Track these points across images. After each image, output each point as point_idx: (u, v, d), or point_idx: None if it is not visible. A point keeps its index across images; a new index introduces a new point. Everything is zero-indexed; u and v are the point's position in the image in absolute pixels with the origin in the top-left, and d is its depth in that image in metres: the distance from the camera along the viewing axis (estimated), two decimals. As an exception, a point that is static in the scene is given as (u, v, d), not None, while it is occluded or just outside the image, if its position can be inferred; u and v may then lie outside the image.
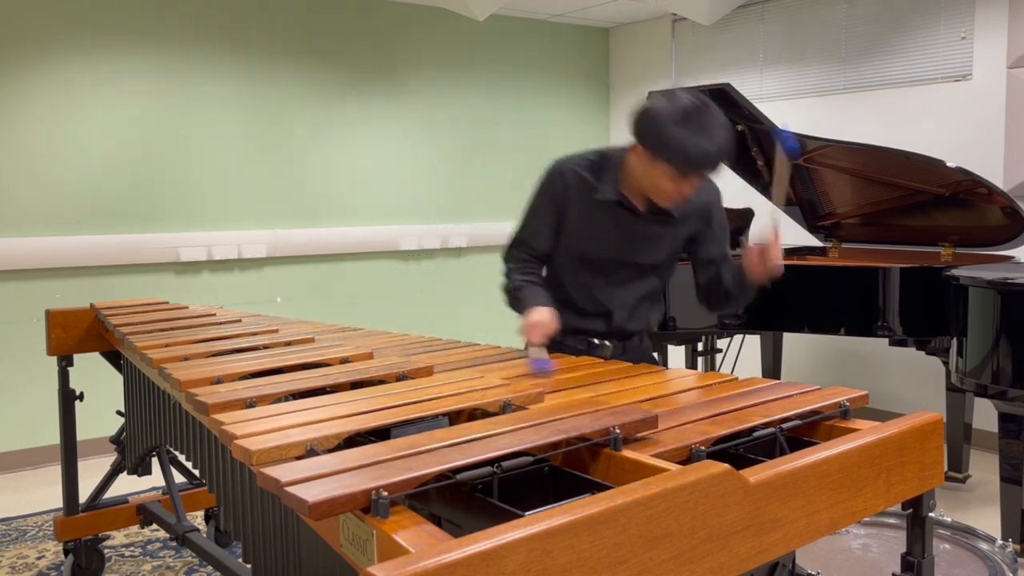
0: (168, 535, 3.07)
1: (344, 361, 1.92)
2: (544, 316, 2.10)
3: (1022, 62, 4.21)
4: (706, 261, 2.31)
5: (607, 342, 2.28)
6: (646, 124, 2.02)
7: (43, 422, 4.44)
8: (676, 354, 5.43)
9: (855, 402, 1.46)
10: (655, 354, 2.52)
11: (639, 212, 2.20)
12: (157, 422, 2.35)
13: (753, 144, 4.08)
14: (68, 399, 3.05)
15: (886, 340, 3.61)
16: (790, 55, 5.26)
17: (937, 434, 1.32)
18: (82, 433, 3.25)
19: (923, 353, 3.61)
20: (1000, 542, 2.07)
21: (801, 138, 2.07)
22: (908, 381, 4.76)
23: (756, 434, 1.34)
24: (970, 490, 3.84)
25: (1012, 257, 3.77)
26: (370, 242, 5.34)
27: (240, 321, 2.68)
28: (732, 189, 5.09)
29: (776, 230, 2.06)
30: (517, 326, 2.14)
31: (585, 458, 1.22)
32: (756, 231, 4.80)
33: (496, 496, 1.11)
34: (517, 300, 2.23)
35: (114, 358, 3.09)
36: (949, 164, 3.50)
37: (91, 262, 4.54)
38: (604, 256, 2.28)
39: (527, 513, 1.00)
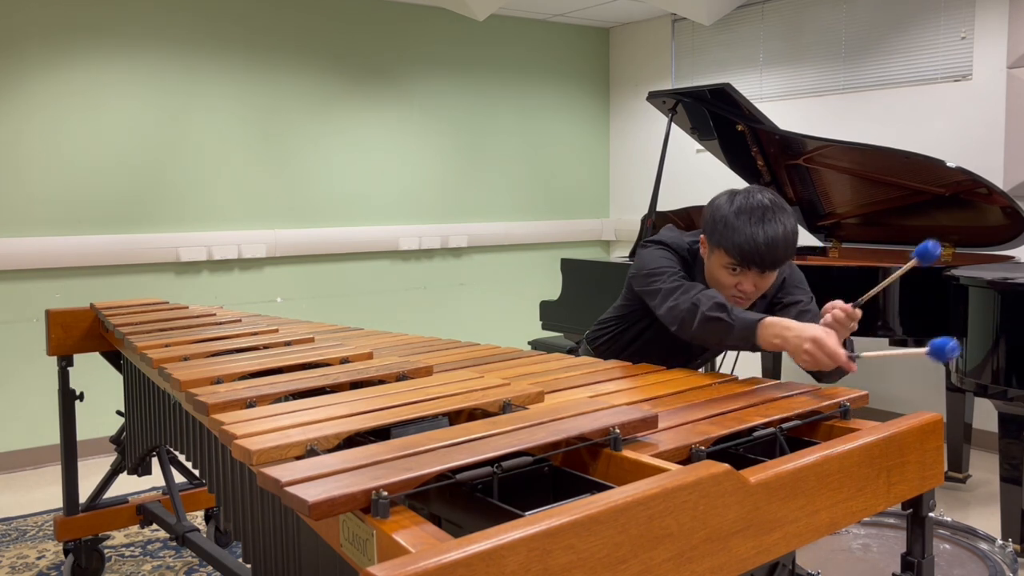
0: (168, 535, 3.07)
1: (344, 361, 1.92)
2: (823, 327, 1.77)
3: (1022, 62, 4.21)
4: (784, 309, 2.16)
5: None
6: (711, 212, 2.04)
7: (43, 422, 4.44)
8: (676, 354, 5.43)
9: (855, 402, 1.46)
10: None
11: None
12: (157, 422, 2.35)
13: (753, 144, 4.08)
14: (68, 399, 3.05)
15: (886, 340, 3.61)
16: (790, 55, 5.26)
17: (937, 434, 1.32)
18: (82, 433, 3.25)
19: (923, 353, 3.61)
20: (1000, 542, 2.07)
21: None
22: (908, 381, 4.76)
23: (756, 434, 1.34)
24: (970, 490, 3.84)
25: (1012, 257, 3.77)
26: (370, 242, 5.34)
27: (240, 321, 2.68)
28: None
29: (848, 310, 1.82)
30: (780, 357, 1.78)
31: (585, 458, 1.22)
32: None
33: (496, 496, 1.11)
34: (723, 321, 1.95)
35: (114, 358, 3.09)
36: (949, 164, 3.50)
37: (91, 262, 4.54)
38: (682, 344, 2.20)
39: (527, 513, 1.00)
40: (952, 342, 1.48)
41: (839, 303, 1.80)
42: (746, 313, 1.93)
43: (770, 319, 1.87)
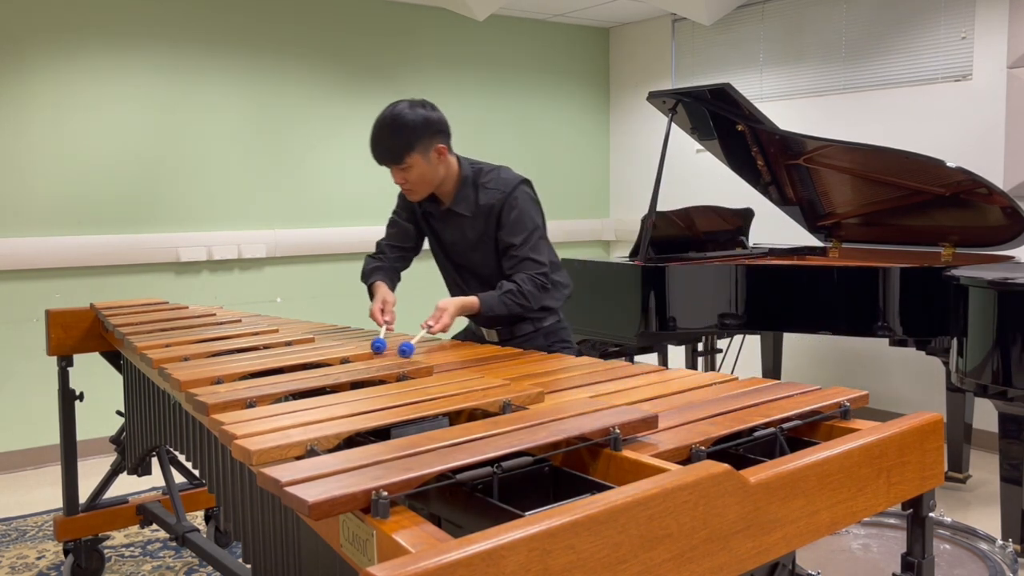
0: (168, 535, 3.07)
1: (344, 361, 1.92)
2: (378, 299, 2.50)
3: (1022, 62, 4.21)
4: (503, 252, 2.50)
5: (492, 330, 2.60)
6: None
7: (43, 422, 4.44)
8: (676, 354, 5.43)
9: (855, 402, 1.46)
10: (569, 342, 2.66)
11: (438, 214, 2.57)
12: (157, 422, 2.35)
13: (753, 144, 4.08)
14: (68, 399, 3.05)
15: (886, 340, 3.61)
16: (790, 55, 5.26)
17: (937, 434, 1.32)
18: (82, 433, 3.25)
19: (923, 353, 3.61)
20: (1000, 542, 2.07)
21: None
22: (908, 381, 4.76)
23: (756, 434, 1.34)
24: (970, 490, 3.84)
25: (1012, 257, 3.77)
26: (370, 242, 5.30)
27: (240, 321, 2.68)
28: (732, 189, 5.11)
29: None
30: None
31: (585, 458, 1.22)
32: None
33: (496, 496, 1.11)
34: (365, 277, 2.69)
35: (114, 358, 3.09)
36: (949, 164, 3.50)
37: (91, 262, 4.54)
38: (445, 261, 2.66)
39: (527, 513, 1.00)
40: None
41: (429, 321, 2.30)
42: (370, 274, 2.69)
43: (378, 283, 2.60)
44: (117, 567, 3.19)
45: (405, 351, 2.02)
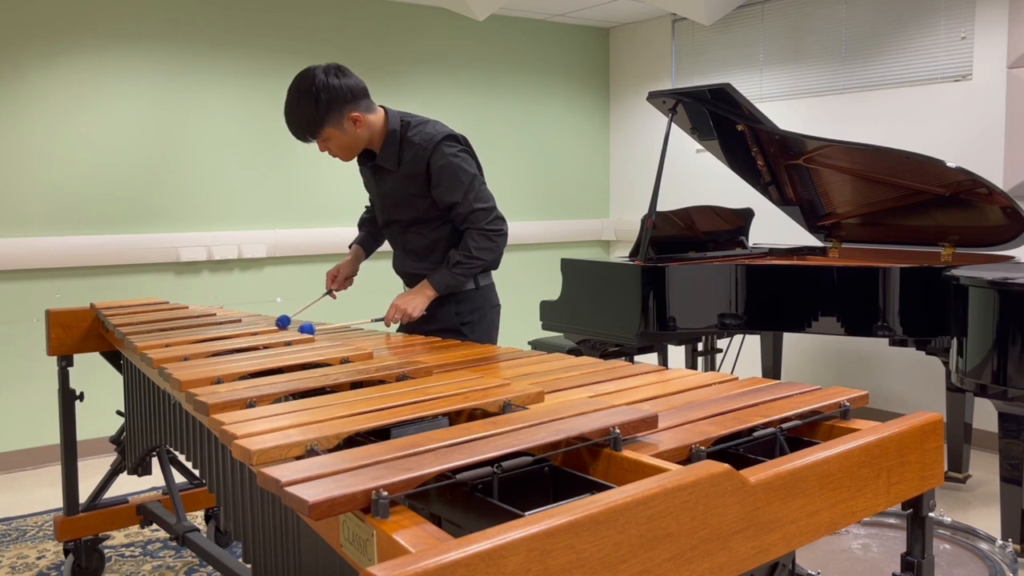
0: (168, 535, 3.07)
1: (344, 361, 1.92)
2: (337, 265, 2.83)
3: (1022, 62, 4.21)
4: (447, 211, 2.52)
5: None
6: None
7: (43, 422, 4.44)
8: (676, 354, 5.44)
9: (855, 402, 1.46)
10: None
11: (371, 168, 2.58)
12: (157, 422, 2.35)
13: (753, 144, 4.08)
14: (68, 399, 3.05)
15: (886, 340, 3.61)
16: (790, 55, 5.26)
17: (937, 434, 1.32)
18: (82, 433, 3.26)
19: (923, 353, 3.61)
20: (1000, 542, 2.07)
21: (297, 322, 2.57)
22: (908, 381, 4.76)
23: (756, 434, 1.34)
24: (970, 490, 3.84)
25: (1012, 257, 3.77)
26: (370, 242, 5.34)
27: (240, 321, 2.68)
28: (732, 189, 5.11)
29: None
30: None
31: (585, 458, 1.22)
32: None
33: (496, 496, 1.11)
34: None
35: (114, 358, 3.09)
36: (949, 164, 3.50)
37: (91, 262, 4.54)
38: (380, 216, 2.69)
39: (527, 513, 1.00)
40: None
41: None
42: (358, 229, 2.93)
43: (353, 247, 2.87)
44: (117, 567, 3.19)
45: (306, 329, 2.35)
